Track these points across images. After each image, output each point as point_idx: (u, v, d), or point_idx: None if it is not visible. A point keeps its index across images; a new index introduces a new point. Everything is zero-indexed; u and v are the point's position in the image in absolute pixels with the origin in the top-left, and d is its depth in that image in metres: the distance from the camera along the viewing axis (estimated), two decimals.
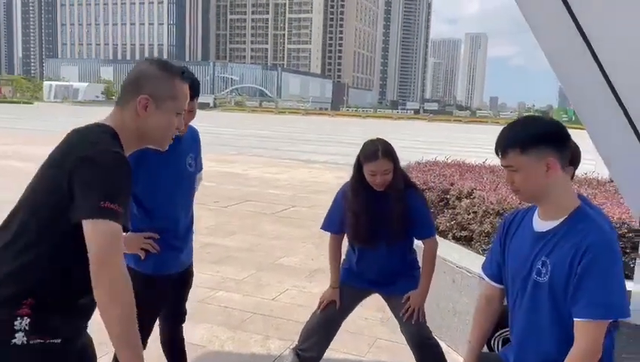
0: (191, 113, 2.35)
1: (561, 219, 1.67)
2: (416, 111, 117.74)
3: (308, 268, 5.11)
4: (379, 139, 2.65)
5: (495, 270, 1.92)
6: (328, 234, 2.81)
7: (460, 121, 72.45)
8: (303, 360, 2.78)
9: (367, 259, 2.71)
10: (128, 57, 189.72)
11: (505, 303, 1.94)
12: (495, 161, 6.70)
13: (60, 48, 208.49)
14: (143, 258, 2.32)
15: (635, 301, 2.65)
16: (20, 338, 1.31)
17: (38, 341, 1.34)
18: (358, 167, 2.60)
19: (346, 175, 2.88)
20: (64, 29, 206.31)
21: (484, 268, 2.00)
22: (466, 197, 4.21)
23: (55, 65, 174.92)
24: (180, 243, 2.44)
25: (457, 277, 3.47)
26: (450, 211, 4.24)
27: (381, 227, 2.61)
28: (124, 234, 2.34)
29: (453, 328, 3.47)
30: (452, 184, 4.57)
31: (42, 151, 1.95)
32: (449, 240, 4.08)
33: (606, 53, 2.45)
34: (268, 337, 3.54)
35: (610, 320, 1.60)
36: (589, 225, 1.62)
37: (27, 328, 1.32)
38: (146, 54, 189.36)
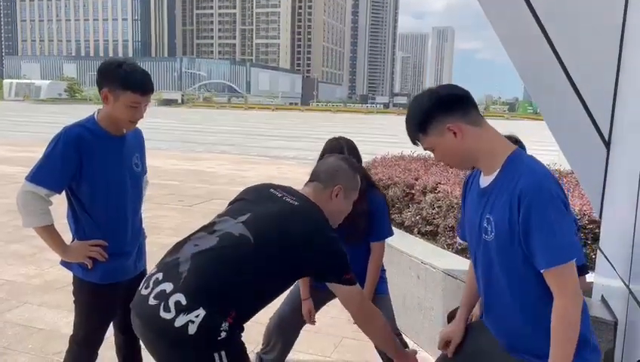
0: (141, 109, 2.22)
1: (497, 172, 1.63)
2: (386, 105, 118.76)
3: None
4: (342, 138, 2.61)
5: (464, 230, 1.89)
6: None
7: None
8: (269, 357, 2.72)
9: None
10: (92, 54, 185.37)
11: None
12: None
13: (21, 45, 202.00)
14: (90, 267, 2.20)
15: (597, 291, 2.66)
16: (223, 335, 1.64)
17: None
18: None
19: None
20: (24, 26, 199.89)
21: (458, 233, 2.01)
22: (431, 192, 4.18)
23: (15, 62, 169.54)
24: (129, 248, 2.32)
25: (422, 273, 3.43)
26: (415, 206, 4.21)
27: (343, 227, 2.55)
28: (73, 243, 2.22)
29: (419, 324, 3.44)
30: (417, 179, 4.54)
31: None
32: (414, 235, 4.05)
33: (559, 37, 2.45)
34: None
35: (572, 261, 1.54)
36: (519, 169, 1.57)
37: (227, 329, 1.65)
38: (110, 50, 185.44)
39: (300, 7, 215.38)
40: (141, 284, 1.74)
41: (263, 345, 2.74)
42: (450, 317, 2.34)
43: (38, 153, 2.06)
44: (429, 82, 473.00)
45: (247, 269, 1.69)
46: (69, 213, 2.26)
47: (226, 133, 24.44)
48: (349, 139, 2.59)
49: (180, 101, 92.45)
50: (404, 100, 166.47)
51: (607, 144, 2.56)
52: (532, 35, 2.47)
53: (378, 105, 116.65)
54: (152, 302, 1.63)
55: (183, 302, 1.59)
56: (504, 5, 2.61)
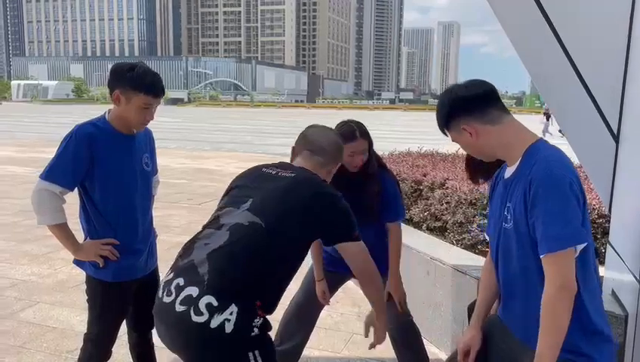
0: (152, 111, 2.26)
1: (518, 162, 1.67)
2: (392, 101, 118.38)
3: None
4: (352, 120, 2.62)
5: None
6: None
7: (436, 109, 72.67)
8: (283, 353, 2.75)
9: None
10: (98, 54, 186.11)
11: None
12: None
13: (27, 46, 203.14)
14: (102, 265, 2.23)
15: (607, 285, 2.66)
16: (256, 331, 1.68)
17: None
18: None
19: None
20: (31, 27, 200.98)
21: (487, 230, 2.00)
22: (439, 188, 4.19)
23: (23, 63, 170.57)
24: (140, 246, 2.34)
25: (431, 268, 3.44)
26: (423, 202, 4.21)
27: (357, 209, 2.57)
28: (85, 241, 2.26)
29: (429, 320, 3.45)
30: (425, 175, 4.55)
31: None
32: (423, 230, 4.06)
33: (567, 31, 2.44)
34: None
35: (567, 249, 1.52)
36: (534, 157, 1.60)
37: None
38: (117, 50, 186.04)
39: (305, 4, 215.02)
40: (160, 291, 1.72)
41: (279, 337, 2.76)
42: (470, 310, 2.34)
43: (46, 154, 2.10)
44: (434, 77, 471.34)
45: (266, 255, 1.71)
46: (81, 212, 2.30)
47: (233, 132, 24.48)
48: (358, 121, 2.61)
49: (186, 100, 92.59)
50: (410, 96, 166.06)
51: (617, 138, 2.56)
52: (539, 29, 2.47)
53: (384, 101, 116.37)
54: (179, 308, 1.62)
55: (215, 303, 1.59)
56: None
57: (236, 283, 1.66)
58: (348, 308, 4.02)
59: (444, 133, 1.80)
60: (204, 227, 1.82)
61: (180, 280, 1.67)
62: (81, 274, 2.41)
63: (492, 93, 1.71)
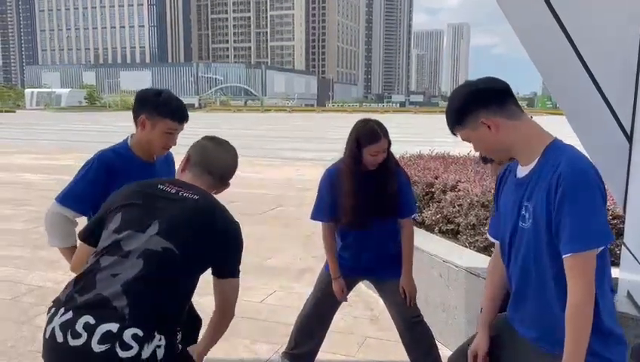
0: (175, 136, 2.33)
1: (536, 161, 1.64)
2: (402, 104, 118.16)
3: (295, 269, 5.05)
4: (371, 120, 2.65)
5: (497, 228, 1.90)
6: (316, 232, 2.80)
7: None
8: (298, 357, 2.77)
9: (360, 243, 2.71)
10: (110, 61, 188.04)
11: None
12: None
13: (41, 55, 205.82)
14: None
15: (622, 287, 2.64)
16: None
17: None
18: (358, 148, 2.56)
19: None
20: (43, 35, 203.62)
21: (489, 230, 2.00)
22: (451, 190, 4.18)
23: (36, 72, 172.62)
24: None
25: (444, 271, 3.43)
26: (435, 205, 4.20)
27: (374, 206, 2.63)
28: None
29: (442, 323, 3.44)
30: (437, 177, 4.54)
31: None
32: (435, 233, 4.05)
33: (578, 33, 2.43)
34: (255, 341, 3.48)
35: (597, 250, 1.53)
36: (560, 157, 1.58)
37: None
38: (128, 57, 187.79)
39: (314, 9, 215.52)
40: (58, 334, 1.51)
41: (293, 341, 2.80)
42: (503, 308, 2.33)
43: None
44: (445, 79, 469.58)
45: (182, 280, 1.68)
46: None
47: (243, 137, 24.58)
48: (377, 120, 2.64)
49: (197, 105, 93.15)
50: (420, 98, 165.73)
51: (630, 138, 2.54)
52: (549, 29, 2.46)
53: (394, 104, 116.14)
54: (100, 348, 1.48)
55: (141, 333, 1.52)
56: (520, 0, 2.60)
57: (159, 312, 1.60)
58: (361, 311, 4.02)
59: (453, 132, 1.75)
60: (101, 253, 1.66)
61: (89, 319, 1.51)
62: None
63: (509, 89, 1.70)
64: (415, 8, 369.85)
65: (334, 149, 12.70)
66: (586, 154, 2.70)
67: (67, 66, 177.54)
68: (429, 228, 4.13)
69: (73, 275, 1.76)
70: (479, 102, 1.65)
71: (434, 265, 3.54)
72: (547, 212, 1.56)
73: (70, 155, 15.22)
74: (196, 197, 1.76)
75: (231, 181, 1.99)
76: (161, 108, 2.20)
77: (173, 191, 1.77)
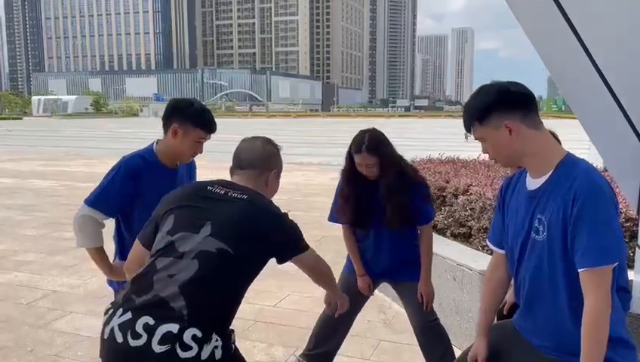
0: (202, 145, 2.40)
1: (549, 174, 1.65)
2: (407, 109, 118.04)
3: None
4: (369, 131, 2.67)
5: (499, 237, 1.91)
6: (326, 236, 2.83)
7: (452, 116, 72.44)
8: (316, 357, 2.81)
9: (377, 246, 2.75)
10: (116, 68, 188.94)
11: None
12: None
13: (47, 62, 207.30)
14: None
15: (636, 289, 2.65)
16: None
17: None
18: (349, 155, 2.65)
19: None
20: (50, 43, 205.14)
21: (489, 238, 2.01)
22: (463, 194, 4.21)
23: (42, 79, 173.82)
24: None
25: (458, 274, 3.46)
26: (447, 208, 4.23)
27: (374, 214, 2.67)
28: (114, 262, 2.41)
29: (456, 326, 3.46)
30: (447, 181, 4.57)
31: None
32: (447, 237, 4.08)
33: (589, 33, 2.46)
34: (271, 344, 3.52)
35: (613, 264, 1.55)
36: (574, 172, 1.60)
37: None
38: (134, 64, 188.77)
39: (318, 14, 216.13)
40: (117, 335, 1.56)
41: (313, 341, 2.85)
42: (499, 315, 2.36)
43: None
44: (449, 83, 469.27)
45: (237, 281, 1.71)
46: (115, 234, 2.45)
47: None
48: (375, 134, 2.65)
49: None
50: (425, 103, 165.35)
51: None
52: (560, 31, 2.49)
53: (399, 109, 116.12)
54: (160, 348, 1.52)
55: (199, 334, 1.55)
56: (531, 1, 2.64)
57: (216, 313, 1.65)
58: (374, 315, 4.05)
59: (469, 128, 1.74)
60: (156, 255, 1.71)
61: (148, 319, 1.55)
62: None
63: (534, 99, 1.71)
64: (419, 13, 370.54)
65: (341, 154, 12.70)
66: (594, 157, 2.73)
67: (73, 73, 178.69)
68: (441, 232, 4.16)
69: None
70: (507, 105, 1.65)
71: (447, 268, 3.57)
72: (563, 226, 1.59)
73: (78, 162, 15.38)
74: (244, 196, 1.80)
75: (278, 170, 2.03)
76: (194, 118, 2.29)
77: (222, 192, 1.81)
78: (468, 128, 1.75)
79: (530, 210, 1.70)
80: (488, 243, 2.02)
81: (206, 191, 1.82)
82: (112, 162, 2.44)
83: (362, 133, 2.65)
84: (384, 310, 4.14)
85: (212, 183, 1.85)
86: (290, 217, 1.87)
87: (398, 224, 2.64)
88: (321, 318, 2.90)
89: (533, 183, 1.71)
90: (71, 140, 27.88)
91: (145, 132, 31.13)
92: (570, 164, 1.64)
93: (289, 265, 1.86)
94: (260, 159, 1.96)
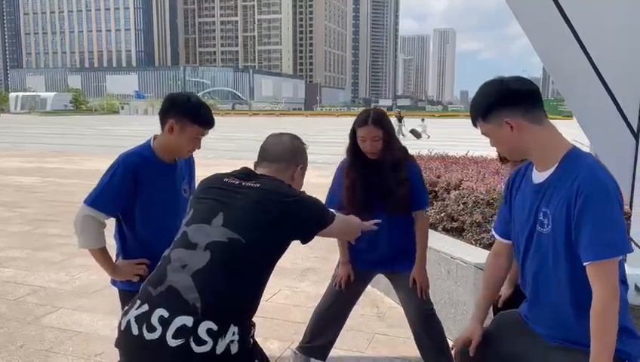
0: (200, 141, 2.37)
1: (554, 168, 1.68)
2: (389, 108, 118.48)
3: (299, 268, 5.10)
4: (374, 109, 2.75)
5: (504, 227, 1.95)
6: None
7: (433, 115, 73.03)
8: (313, 350, 2.80)
9: (374, 236, 2.69)
10: (96, 65, 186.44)
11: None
12: (477, 152, 6.77)
13: (25, 58, 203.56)
14: (136, 281, 2.30)
15: (630, 281, 2.71)
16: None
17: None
18: (352, 134, 2.68)
19: (327, 173, 2.88)
20: (28, 39, 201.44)
21: (494, 228, 2.04)
22: (455, 189, 4.25)
23: (20, 75, 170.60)
24: None
25: (452, 267, 3.49)
26: (439, 203, 4.27)
27: (378, 197, 2.67)
28: (118, 261, 2.37)
29: (451, 319, 3.49)
30: (439, 176, 4.61)
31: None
32: (439, 232, 4.11)
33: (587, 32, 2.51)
34: (267, 339, 3.51)
35: (617, 258, 1.58)
36: (578, 166, 1.62)
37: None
38: (114, 61, 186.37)
39: (301, 13, 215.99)
40: (133, 327, 1.56)
41: (308, 334, 2.84)
42: (494, 307, 2.40)
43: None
44: (431, 83, 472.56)
45: (251, 270, 1.68)
46: (116, 233, 2.40)
47: (235, 140, 24.56)
48: (380, 110, 2.73)
49: None
50: (407, 102, 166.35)
51: (637, 136, 2.63)
52: (557, 28, 2.54)
53: (382, 108, 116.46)
54: (175, 342, 1.50)
55: (215, 327, 1.53)
56: None
57: (230, 302, 1.61)
58: (367, 309, 4.07)
59: (475, 124, 1.78)
60: (173, 247, 1.73)
61: (163, 312, 1.54)
62: (100, 280, 2.48)
63: (539, 94, 1.73)
64: (401, 14, 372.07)
65: (328, 152, 12.76)
66: (594, 151, 2.79)
67: (52, 70, 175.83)
68: (433, 227, 4.19)
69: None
70: (507, 102, 1.69)
71: (441, 261, 3.60)
72: (567, 219, 1.62)
73: (59, 158, 15.14)
74: (258, 185, 1.80)
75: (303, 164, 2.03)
76: (191, 114, 2.24)
77: (237, 183, 1.82)
78: (474, 124, 1.80)
79: (535, 203, 1.73)
80: (493, 232, 2.05)
81: (222, 183, 1.84)
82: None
83: (366, 110, 2.73)
84: (377, 304, 4.16)
85: (229, 175, 1.87)
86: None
87: (405, 204, 2.66)
88: (316, 311, 2.90)
89: (538, 176, 1.74)
90: (53, 137, 27.43)
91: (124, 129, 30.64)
92: (574, 158, 1.66)
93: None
94: (288, 153, 1.99)
